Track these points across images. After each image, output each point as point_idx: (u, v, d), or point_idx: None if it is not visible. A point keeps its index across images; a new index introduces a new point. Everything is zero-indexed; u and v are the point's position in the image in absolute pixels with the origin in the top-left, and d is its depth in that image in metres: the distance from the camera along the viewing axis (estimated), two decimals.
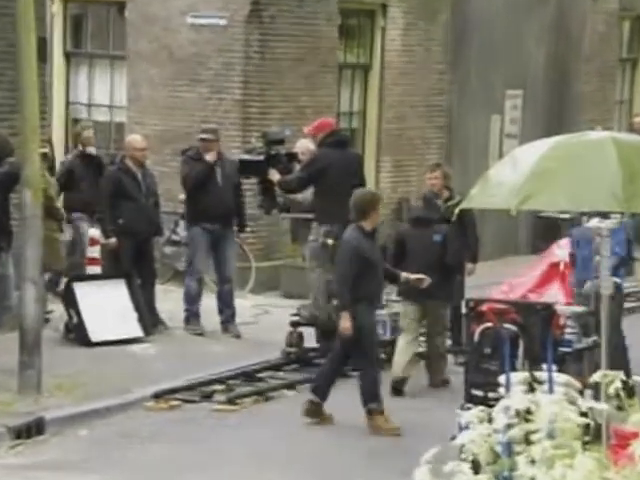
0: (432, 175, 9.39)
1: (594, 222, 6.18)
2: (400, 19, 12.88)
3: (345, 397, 7.75)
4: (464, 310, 7.11)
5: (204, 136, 9.84)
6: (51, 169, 10.01)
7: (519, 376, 6.16)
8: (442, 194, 9.32)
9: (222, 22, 11.60)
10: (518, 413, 5.34)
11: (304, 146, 9.89)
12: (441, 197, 9.30)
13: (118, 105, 12.16)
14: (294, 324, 9.33)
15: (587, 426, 4.54)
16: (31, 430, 7.24)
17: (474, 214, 9.32)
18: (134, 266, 9.75)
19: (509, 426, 5.21)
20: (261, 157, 9.79)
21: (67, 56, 12.37)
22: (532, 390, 5.93)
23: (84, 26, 12.35)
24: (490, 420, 5.59)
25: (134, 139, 10.02)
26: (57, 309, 9.52)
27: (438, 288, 7.97)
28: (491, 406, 6.03)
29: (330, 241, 9.21)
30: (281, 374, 8.92)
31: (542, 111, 14.35)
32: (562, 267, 7.52)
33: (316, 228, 9.35)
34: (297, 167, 9.80)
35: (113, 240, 9.63)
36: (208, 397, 8.16)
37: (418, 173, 13.30)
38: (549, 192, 5.74)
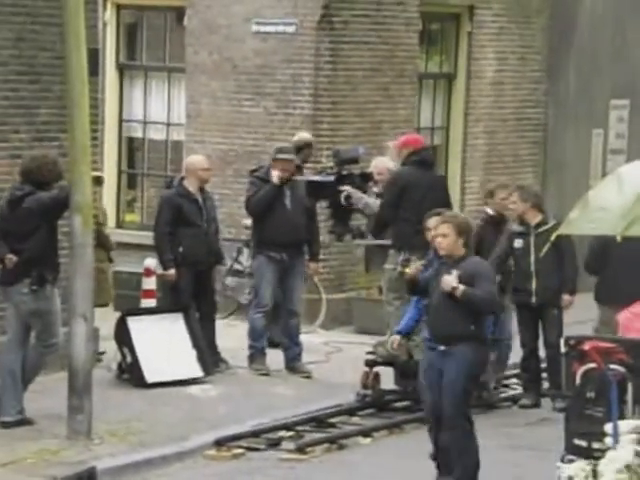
0: (510, 200, 9.30)
1: None
2: (490, 23, 12.80)
3: None
4: (563, 349, 6.98)
5: (282, 156, 9.79)
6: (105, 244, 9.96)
7: (628, 424, 6.02)
8: (532, 219, 9.20)
9: (290, 29, 11.67)
10: (628, 467, 5.19)
11: (381, 165, 9.88)
12: (531, 223, 9.19)
13: (176, 122, 12.27)
14: (370, 363, 9.29)
15: None
16: None
17: (573, 241, 9.18)
18: (193, 299, 9.80)
19: None
20: (332, 178, 9.80)
21: (120, 69, 12.53)
22: None
23: (139, 35, 12.51)
24: (596, 475, 5.44)
25: (197, 159, 10.05)
26: (110, 347, 9.61)
27: None
28: (596, 458, 5.87)
29: (409, 270, 9.15)
30: (355, 419, 8.88)
31: None
32: None
33: (393, 255, 9.31)
34: (372, 188, 9.78)
35: (172, 271, 9.67)
36: (275, 445, 8.14)
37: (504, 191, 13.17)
38: None
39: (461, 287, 6.93)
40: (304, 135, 10.83)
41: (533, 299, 9.18)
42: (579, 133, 13.46)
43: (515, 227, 9.36)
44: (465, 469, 6.92)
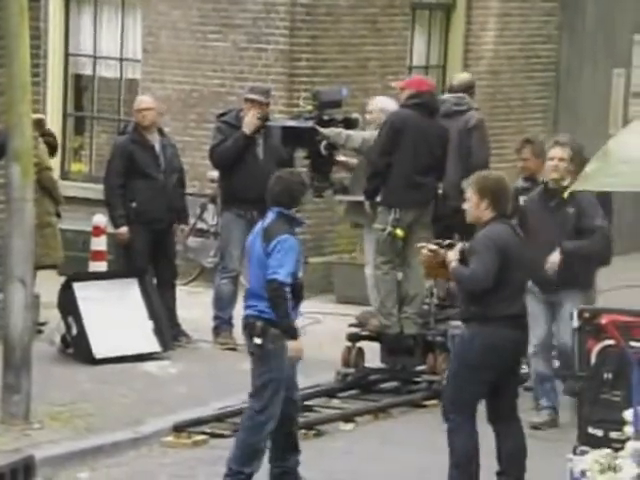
0: (520, 156, 9.20)
1: None
2: None
3: None
4: (576, 323, 6.92)
5: (252, 96, 9.72)
6: (53, 149, 9.88)
7: None
8: (541, 174, 9.10)
9: None
10: None
11: (375, 103, 9.66)
12: (538, 179, 9.09)
13: (131, 58, 12.14)
14: (352, 338, 9.22)
15: None
16: (17, 473, 7.18)
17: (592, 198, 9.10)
18: (150, 262, 9.68)
19: None
20: (310, 123, 9.66)
21: None
22: None
23: None
24: (614, 468, 5.37)
25: (138, 99, 9.98)
26: (52, 317, 9.48)
27: None
28: (614, 449, 5.80)
29: (400, 231, 9.05)
30: (336, 402, 8.85)
31: None
32: None
33: (383, 214, 9.17)
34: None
35: (124, 229, 9.56)
36: None
37: (516, 144, 13.08)
38: None
39: (453, 264, 6.90)
40: (464, 76, 10.65)
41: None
42: (597, 73, 13.40)
43: (521, 183, 9.27)
44: (455, 466, 6.83)
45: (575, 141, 8.74)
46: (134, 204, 9.60)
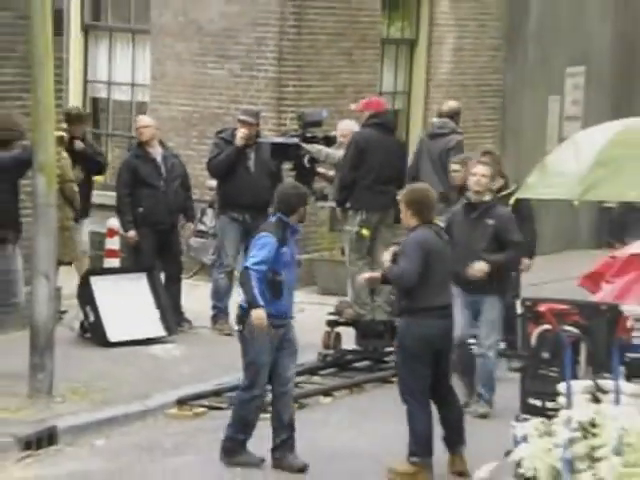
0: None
1: None
2: None
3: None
4: (519, 310, 6.97)
5: (243, 118, 9.75)
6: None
7: (581, 384, 6.03)
8: (494, 183, 9.14)
9: None
10: (581, 426, 5.19)
11: (345, 128, 9.78)
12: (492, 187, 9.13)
13: (141, 83, 12.12)
14: (331, 323, 9.26)
15: None
16: (42, 440, 7.18)
17: (532, 205, 9.15)
18: (158, 259, 9.70)
19: (571, 440, 5.07)
20: (295, 140, 9.71)
21: (85, 30, 12.34)
22: (596, 400, 5.78)
23: None
24: (550, 433, 5.44)
25: (138, 118, 10.04)
26: (72, 307, 9.47)
27: None
28: (550, 417, 5.87)
29: (365, 231, 9.12)
30: (316, 379, 8.84)
31: (607, 91, 14.07)
32: None
33: (353, 217, 9.25)
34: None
35: (132, 233, 9.58)
36: None
37: (478, 154, 13.10)
38: (616, 182, 5.62)
39: (386, 264, 6.97)
40: (452, 103, 10.77)
41: None
42: (536, 99, 13.43)
43: (467, 197, 9.27)
44: (416, 443, 6.88)
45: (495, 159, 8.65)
46: (140, 209, 9.62)
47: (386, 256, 6.98)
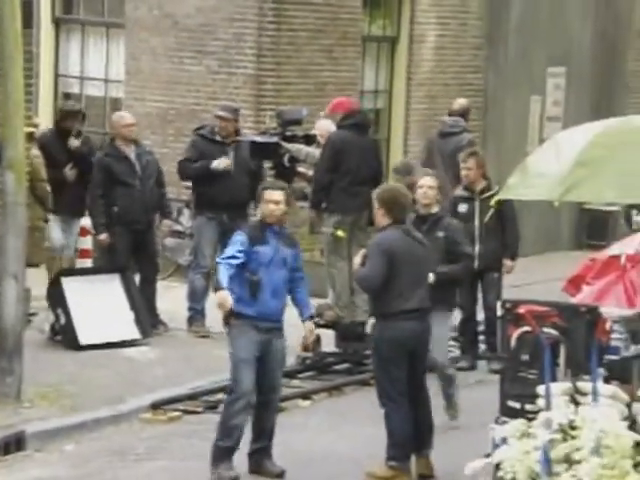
0: (465, 165, 9.26)
1: None
2: None
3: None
4: (500, 312, 6.99)
5: (221, 113, 9.70)
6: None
7: (560, 387, 6.05)
8: (477, 185, 9.17)
9: None
10: (560, 428, 5.20)
11: (324, 127, 9.79)
12: (476, 188, 9.16)
13: (114, 79, 12.06)
14: None
15: (638, 444, 4.39)
16: (10, 446, 7.15)
17: (514, 206, 9.18)
18: (133, 259, 9.66)
19: (550, 443, 5.08)
20: (274, 139, 9.70)
21: (56, 22, 12.26)
22: (575, 402, 5.80)
23: None
24: (529, 435, 5.45)
25: (119, 115, 9.94)
26: (42, 309, 9.42)
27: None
28: (529, 419, 5.88)
29: (341, 233, 9.14)
30: (295, 382, 8.84)
31: (588, 92, 14.13)
32: (623, 261, 7.32)
33: (327, 218, 9.27)
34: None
35: (104, 236, 9.54)
36: (213, 408, 8.05)
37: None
38: (596, 182, 5.67)
39: (354, 267, 6.97)
40: (462, 101, 10.87)
41: (476, 263, 9.18)
42: (518, 99, 13.48)
43: (460, 192, 9.33)
44: (394, 446, 6.88)
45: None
46: (115, 208, 9.56)
47: (357, 259, 6.97)
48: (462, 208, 9.20)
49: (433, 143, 10.74)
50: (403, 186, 7.25)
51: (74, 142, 9.66)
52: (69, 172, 9.61)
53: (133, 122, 9.74)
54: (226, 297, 6.77)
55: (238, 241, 6.84)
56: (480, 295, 9.35)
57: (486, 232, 9.12)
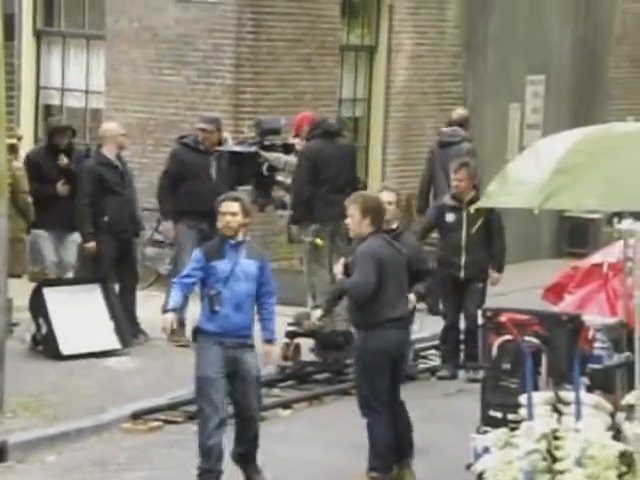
0: (456, 176, 9.23)
1: (627, 224, 6.04)
2: None
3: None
4: (481, 321, 6.98)
5: (203, 126, 9.71)
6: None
7: (542, 396, 6.04)
8: (466, 195, 9.16)
9: None
10: (543, 438, 5.19)
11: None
12: (465, 198, 9.13)
13: (95, 90, 12.05)
14: (290, 335, 9.21)
15: (623, 454, 4.38)
16: None
17: (502, 218, 9.19)
18: (114, 269, 9.63)
19: (533, 452, 5.07)
20: (253, 148, 9.68)
21: (38, 35, 12.25)
22: (557, 412, 5.80)
23: (57, 1, 12.22)
24: (512, 445, 5.44)
25: (114, 126, 9.97)
26: (23, 319, 9.38)
27: None
28: (511, 429, 5.86)
29: (320, 241, 9.12)
30: (275, 391, 8.81)
31: (568, 99, 14.18)
32: (605, 269, 7.33)
33: (306, 227, 9.26)
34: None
35: (93, 244, 9.51)
36: (193, 417, 7.97)
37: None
38: (576, 190, 5.67)
39: (338, 277, 6.88)
40: (461, 111, 10.90)
41: (461, 273, 9.17)
42: (497, 107, 13.53)
43: (447, 200, 9.31)
44: (376, 457, 6.84)
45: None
46: (105, 218, 9.54)
47: (338, 268, 6.90)
48: (449, 217, 9.19)
49: (433, 153, 10.75)
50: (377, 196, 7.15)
51: (63, 160, 9.60)
52: (61, 187, 9.53)
53: (125, 132, 9.85)
54: (167, 320, 6.66)
55: (194, 258, 6.72)
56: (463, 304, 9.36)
57: (472, 242, 9.12)
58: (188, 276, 6.73)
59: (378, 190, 7.56)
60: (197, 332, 6.74)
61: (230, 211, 6.69)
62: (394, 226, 7.59)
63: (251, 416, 6.79)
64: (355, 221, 6.85)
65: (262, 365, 6.88)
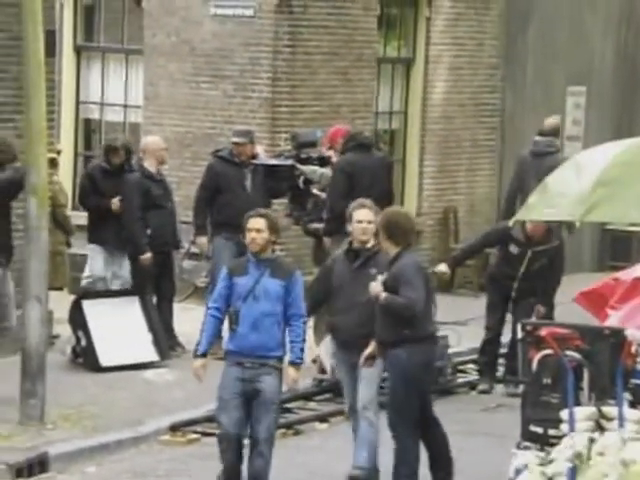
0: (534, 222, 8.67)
1: None
2: (448, 8, 12.72)
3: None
4: (520, 335, 6.92)
5: (236, 140, 9.75)
6: None
7: (584, 411, 5.97)
8: (537, 237, 8.90)
9: (248, 12, 11.53)
10: (581, 454, 5.13)
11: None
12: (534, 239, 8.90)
13: (133, 104, 12.11)
14: None
15: None
16: (33, 467, 7.15)
17: (564, 255, 9.07)
18: (153, 282, 9.68)
19: (574, 469, 5.01)
20: (289, 161, 9.69)
21: (78, 51, 12.35)
22: (600, 428, 5.73)
23: (97, 17, 12.32)
24: (551, 462, 5.38)
25: (156, 139, 10.04)
26: (64, 331, 9.44)
27: None
28: (552, 445, 5.80)
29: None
30: (312, 404, 8.81)
31: (609, 110, 14.03)
32: None
33: (339, 240, 9.21)
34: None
35: (149, 255, 9.51)
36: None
37: (467, 179, 13.04)
38: (618, 202, 5.60)
39: (383, 295, 6.68)
40: (553, 121, 10.94)
41: (513, 294, 9.14)
42: (536, 119, 13.40)
43: (516, 234, 9.03)
44: (409, 478, 6.76)
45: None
46: (148, 231, 9.59)
47: (377, 287, 6.72)
48: (513, 249, 9.07)
49: (525, 164, 10.66)
50: (402, 208, 7.08)
51: (115, 203, 9.56)
52: (115, 204, 9.53)
53: (166, 146, 9.91)
54: (198, 369, 6.56)
55: (221, 276, 6.63)
56: (510, 317, 9.24)
57: (530, 274, 9.05)
58: (214, 300, 6.61)
59: (355, 207, 7.12)
60: (225, 352, 6.68)
61: (255, 227, 6.54)
62: (369, 245, 7.04)
63: (259, 451, 6.50)
64: (380, 238, 6.77)
65: (286, 387, 6.68)
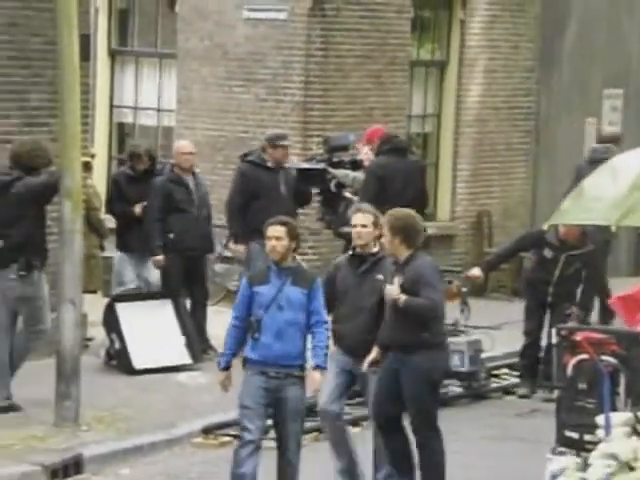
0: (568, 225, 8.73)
1: None
2: (483, 11, 12.68)
3: None
4: (555, 339, 6.87)
5: (283, 143, 9.75)
6: None
7: (620, 417, 5.92)
8: (571, 242, 8.88)
9: (281, 16, 11.55)
10: (621, 460, 5.09)
11: (366, 155, 9.77)
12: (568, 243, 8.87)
13: (167, 108, 12.18)
14: None
15: None
16: (68, 469, 7.20)
17: (598, 259, 9.08)
18: (184, 285, 9.70)
19: (610, 475, 4.97)
20: (322, 165, 9.70)
21: (112, 55, 12.44)
22: (636, 433, 5.68)
23: (131, 22, 12.40)
24: (588, 467, 5.34)
25: (179, 144, 10.06)
26: (98, 333, 9.51)
27: None
28: (588, 450, 5.76)
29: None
30: (345, 409, 8.79)
31: None
32: None
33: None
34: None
35: (161, 257, 9.56)
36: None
37: (501, 183, 12.98)
38: None
39: (402, 297, 6.53)
40: (612, 128, 10.96)
41: (549, 299, 9.11)
42: (572, 122, 13.36)
43: (550, 238, 9.02)
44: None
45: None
46: (171, 235, 9.61)
47: (395, 290, 6.55)
48: (547, 253, 9.08)
49: (583, 170, 10.63)
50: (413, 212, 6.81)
51: (137, 209, 9.59)
52: (139, 209, 9.57)
53: (190, 151, 9.81)
54: (223, 381, 6.54)
55: (241, 286, 6.61)
56: (547, 321, 9.20)
57: (564, 277, 9.04)
58: (237, 310, 6.56)
59: (352, 212, 6.98)
60: (244, 360, 6.61)
61: (275, 235, 6.47)
62: (373, 250, 6.84)
63: (287, 460, 6.49)
64: (387, 240, 6.62)
65: (310, 392, 6.60)
